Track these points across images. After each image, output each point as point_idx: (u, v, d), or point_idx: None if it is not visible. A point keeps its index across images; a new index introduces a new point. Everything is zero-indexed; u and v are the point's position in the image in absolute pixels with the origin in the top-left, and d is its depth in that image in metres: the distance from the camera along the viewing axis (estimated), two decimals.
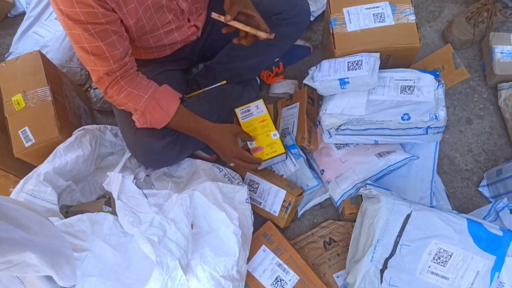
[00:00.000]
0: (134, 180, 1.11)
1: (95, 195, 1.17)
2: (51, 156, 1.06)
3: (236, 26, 1.01)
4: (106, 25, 0.92)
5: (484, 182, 1.23)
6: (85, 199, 1.15)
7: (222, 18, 1.00)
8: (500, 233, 0.99)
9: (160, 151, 1.10)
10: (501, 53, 1.28)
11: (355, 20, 1.19)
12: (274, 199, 1.16)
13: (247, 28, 1.01)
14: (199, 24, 1.17)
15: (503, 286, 1.03)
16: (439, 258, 0.97)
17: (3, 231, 0.68)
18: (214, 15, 1.01)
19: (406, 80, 1.12)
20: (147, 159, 1.13)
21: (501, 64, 1.27)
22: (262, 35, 1.00)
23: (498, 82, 1.30)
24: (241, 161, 1.07)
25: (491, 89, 1.33)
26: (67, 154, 1.07)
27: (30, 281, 0.87)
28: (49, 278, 0.82)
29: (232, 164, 1.14)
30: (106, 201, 1.11)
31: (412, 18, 1.17)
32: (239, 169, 1.22)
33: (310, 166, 1.25)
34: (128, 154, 1.18)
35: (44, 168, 1.02)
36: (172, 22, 1.09)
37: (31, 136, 1.08)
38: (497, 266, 0.96)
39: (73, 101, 1.25)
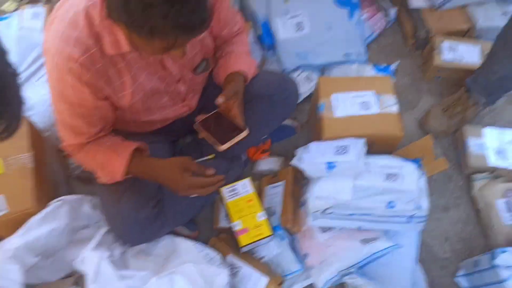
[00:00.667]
0: (109, 258, 1.05)
1: (63, 272, 1.09)
2: (23, 228, 0.99)
3: (201, 134, 1.06)
4: (94, 110, 0.94)
5: (461, 272, 1.24)
6: (52, 276, 1.06)
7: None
8: None
9: (142, 223, 1.06)
10: (474, 145, 1.35)
11: (342, 106, 1.25)
12: (255, 286, 1.11)
13: (209, 139, 1.04)
14: (193, 104, 1.18)
15: None
16: None
17: None
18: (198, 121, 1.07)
19: (390, 167, 1.16)
20: (127, 232, 1.08)
21: (474, 157, 1.34)
22: (221, 147, 1.02)
23: (472, 173, 1.36)
24: (199, 189, 0.98)
25: (466, 177, 1.39)
26: (42, 227, 1.01)
27: None
28: None
29: (193, 195, 1.02)
30: (74, 281, 1.04)
31: (395, 108, 1.24)
32: (220, 246, 1.17)
33: (294, 249, 1.22)
34: (104, 229, 1.12)
35: (14, 243, 0.95)
36: (166, 103, 1.10)
37: (5, 205, 1.01)
38: None
39: (51, 168, 1.20)
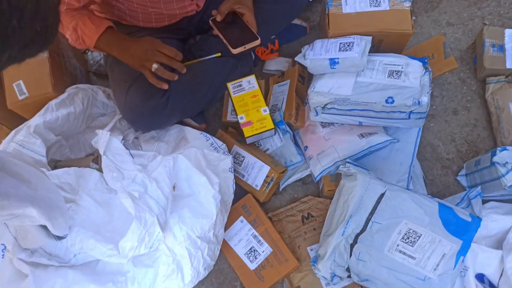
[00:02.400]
0: (123, 141, 1.13)
1: (84, 153, 1.20)
2: (42, 110, 1.09)
3: (215, 31, 1.06)
4: None
5: (463, 172, 1.26)
6: (74, 155, 1.18)
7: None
8: (469, 219, 1.02)
9: (149, 114, 1.12)
10: (493, 47, 1.30)
11: (351, 2, 1.21)
12: (258, 173, 1.19)
13: (222, 38, 1.05)
14: (200, 2, 1.19)
15: (467, 270, 1.07)
16: (408, 238, 1.00)
17: (10, 187, 0.72)
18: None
19: (394, 65, 1.14)
20: (136, 121, 1.16)
21: (491, 58, 1.29)
22: (233, 51, 1.03)
23: (487, 76, 1.32)
24: (163, 56, 1.03)
25: (480, 82, 1.36)
26: (59, 110, 1.10)
27: (14, 225, 0.91)
28: (44, 227, 0.86)
29: (155, 66, 1.04)
30: (94, 159, 1.14)
31: (407, 5, 1.19)
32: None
33: (296, 143, 1.28)
34: (118, 116, 1.20)
35: (35, 121, 1.05)
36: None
37: (25, 90, 1.11)
38: (463, 250, 0.99)
39: (69, 61, 1.28)
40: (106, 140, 1.03)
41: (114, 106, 1.25)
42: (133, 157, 1.06)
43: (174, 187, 1.05)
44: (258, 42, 1.02)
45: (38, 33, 0.40)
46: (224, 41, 1.03)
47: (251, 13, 1.05)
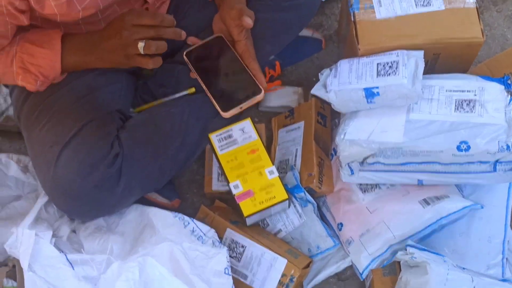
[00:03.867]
0: (53, 239, 1.11)
1: None
2: None
3: (192, 74, 1.10)
4: (7, 18, 0.97)
5: None
6: None
7: None
8: None
9: (92, 194, 1.11)
10: None
11: (388, 3, 1.24)
12: (268, 271, 1.17)
13: (204, 89, 1.08)
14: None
15: None
16: None
17: None
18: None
19: (463, 91, 1.16)
20: (73, 207, 1.14)
21: None
22: (223, 114, 1.05)
23: None
24: (147, 30, 1.03)
25: None
26: None
27: None
28: None
29: (141, 45, 1.03)
30: (9, 272, 1.11)
31: (471, 0, 1.23)
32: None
33: (322, 218, 1.27)
34: (43, 199, 1.18)
35: None
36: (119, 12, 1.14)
37: None
38: None
39: None
40: (30, 245, 1.00)
41: (35, 184, 1.23)
42: (73, 267, 1.03)
43: None
44: (261, 97, 1.03)
45: None
46: (209, 95, 1.05)
47: (249, 41, 1.07)
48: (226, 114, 1.03)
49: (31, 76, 1.07)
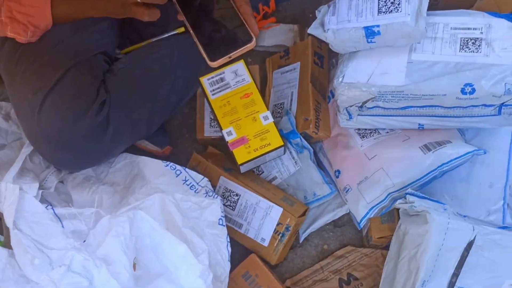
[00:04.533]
0: (40, 191, 1.10)
1: None
2: None
3: (179, 16, 1.02)
4: None
5: None
6: None
7: None
8: None
9: (79, 142, 1.10)
10: None
11: None
12: (263, 220, 1.18)
13: (192, 36, 1.00)
14: None
15: None
16: None
17: None
18: None
19: (469, 28, 1.12)
20: (59, 157, 1.13)
21: None
22: (210, 64, 0.99)
23: None
24: None
25: None
26: None
27: None
28: None
29: None
30: None
31: None
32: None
33: (319, 165, 1.27)
34: (28, 148, 1.16)
35: None
36: None
37: None
38: None
39: None
40: (15, 201, 0.99)
41: (19, 132, 1.22)
42: (62, 222, 1.03)
43: (134, 265, 1.02)
44: (252, 44, 0.98)
45: None
46: (196, 42, 0.99)
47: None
48: (214, 64, 0.98)
49: (20, 26, 1.04)
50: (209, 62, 0.98)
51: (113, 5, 1.02)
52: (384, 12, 1.11)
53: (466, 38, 1.11)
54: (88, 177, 1.20)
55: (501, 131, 1.20)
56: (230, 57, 0.98)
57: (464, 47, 1.10)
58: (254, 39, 0.98)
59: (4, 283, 1.00)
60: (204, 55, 0.98)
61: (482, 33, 1.11)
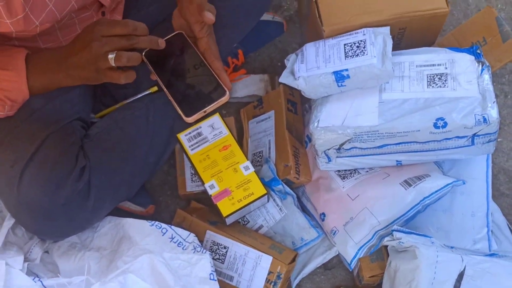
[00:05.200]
0: (26, 264, 1.09)
1: None
2: None
3: (152, 76, 1.05)
4: None
5: None
6: None
7: None
8: None
9: (61, 211, 1.08)
10: None
11: None
12: (253, 270, 1.17)
13: (166, 94, 1.02)
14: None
15: None
16: None
17: None
18: None
19: (433, 65, 1.16)
20: (42, 227, 1.11)
21: None
22: (186, 119, 1.00)
23: None
24: (121, 41, 0.97)
25: None
26: None
27: None
28: None
29: (111, 57, 0.97)
30: None
31: None
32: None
33: (303, 209, 1.27)
34: (9, 222, 1.15)
35: None
36: (78, 24, 1.12)
37: None
38: None
39: None
40: (2, 275, 0.98)
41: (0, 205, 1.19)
42: None
43: None
44: (226, 98, 1.00)
45: None
46: (171, 99, 1.01)
47: (211, 37, 1.04)
48: (189, 119, 1.00)
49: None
50: (185, 118, 0.99)
51: (88, 73, 1.01)
52: (351, 56, 1.14)
53: (432, 74, 1.14)
54: (73, 244, 1.18)
55: (477, 160, 1.22)
56: (205, 112, 1.00)
57: (431, 83, 1.13)
58: (228, 92, 1.00)
59: None
60: (180, 112, 1.00)
61: (446, 68, 1.14)
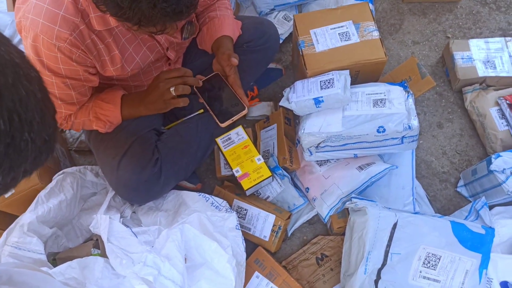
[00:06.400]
0: (121, 219, 1.10)
1: (82, 238, 1.15)
2: (33, 204, 1.04)
3: (200, 99, 1.05)
4: (84, 82, 0.95)
5: (461, 183, 1.28)
6: (72, 243, 1.13)
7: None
8: (483, 231, 1.03)
9: (144, 186, 1.10)
10: (462, 58, 1.35)
11: (322, 40, 1.24)
12: (264, 224, 1.17)
13: (208, 109, 1.04)
14: (171, 54, 1.19)
15: (491, 281, 1.07)
16: (429, 262, 0.99)
17: None
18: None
19: (377, 93, 1.17)
20: (132, 196, 1.13)
21: (463, 69, 1.34)
22: (221, 125, 1.01)
23: (462, 86, 1.37)
24: (173, 79, 0.99)
25: (456, 92, 1.41)
26: (49, 201, 1.05)
27: None
28: None
29: (172, 89, 0.99)
30: (94, 243, 1.09)
31: (376, 34, 1.23)
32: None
33: (295, 185, 1.27)
34: (111, 193, 1.16)
35: (27, 218, 1.00)
36: (154, 70, 1.11)
37: None
38: (484, 263, 0.99)
39: None
40: (107, 225, 1.00)
41: (104, 183, 1.21)
42: (137, 236, 1.02)
43: (185, 259, 1.00)
44: (246, 111, 1.01)
45: (46, 142, 0.42)
46: (211, 113, 1.03)
47: (236, 75, 1.05)
48: (223, 125, 1.02)
49: (102, 123, 1.05)
50: (220, 124, 1.01)
51: (158, 104, 1.02)
52: (324, 88, 1.15)
53: (376, 99, 1.15)
54: (151, 207, 1.19)
55: (405, 153, 1.22)
56: (233, 120, 1.01)
57: (375, 104, 1.14)
58: (246, 108, 1.01)
59: (104, 279, 0.98)
60: (217, 120, 1.01)
61: (385, 95, 1.15)
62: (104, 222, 1.01)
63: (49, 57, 0.85)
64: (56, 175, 1.12)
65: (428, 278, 0.99)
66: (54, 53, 0.85)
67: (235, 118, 1.01)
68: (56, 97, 0.94)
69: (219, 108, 1.03)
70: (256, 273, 1.14)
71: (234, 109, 1.02)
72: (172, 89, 0.98)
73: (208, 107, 1.04)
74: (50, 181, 1.11)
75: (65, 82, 0.91)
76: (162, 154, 1.13)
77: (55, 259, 1.08)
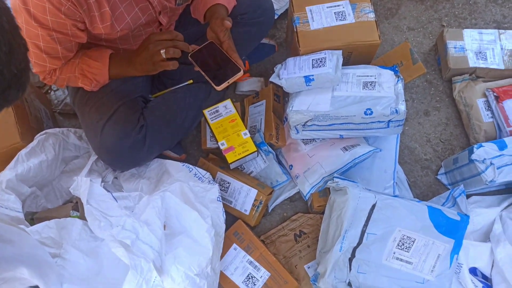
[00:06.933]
0: (102, 183, 1.10)
1: (61, 200, 1.15)
2: (12, 162, 1.02)
3: (196, 67, 1.02)
4: (71, 37, 0.92)
5: (442, 170, 1.30)
6: (51, 204, 1.12)
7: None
8: (458, 218, 1.05)
9: (127, 152, 1.09)
10: (454, 48, 1.35)
11: (318, 18, 1.22)
12: (245, 198, 1.18)
13: (204, 75, 1.01)
14: (163, 19, 1.16)
15: (461, 266, 1.10)
16: (403, 244, 1.01)
17: None
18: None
19: (367, 76, 1.16)
20: (114, 161, 1.12)
21: (455, 59, 1.34)
22: (217, 88, 0.99)
23: (452, 76, 1.37)
24: (163, 42, 0.97)
25: (446, 82, 1.41)
26: (30, 160, 1.04)
27: None
28: None
29: (162, 51, 0.96)
30: (73, 206, 1.09)
31: (372, 16, 1.22)
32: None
33: (279, 162, 1.27)
34: (94, 157, 1.15)
35: (6, 175, 0.99)
36: (144, 35, 1.09)
37: None
38: (456, 249, 1.02)
39: (33, 105, 1.21)
40: (87, 188, 0.99)
41: (87, 147, 1.20)
42: (117, 201, 1.02)
43: (164, 226, 1.01)
44: (241, 73, 0.99)
45: (15, 76, 0.42)
46: (207, 78, 1.00)
47: (230, 40, 1.03)
48: (219, 88, 0.99)
49: (88, 80, 1.04)
50: (216, 87, 0.98)
51: (147, 66, 1.00)
52: (316, 67, 1.14)
53: (366, 81, 1.15)
54: (133, 174, 1.19)
55: (390, 137, 1.23)
56: (228, 82, 0.99)
57: (365, 87, 1.14)
58: (242, 70, 0.99)
59: (81, 241, 0.99)
60: (213, 84, 0.99)
61: (375, 78, 1.15)
62: (85, 185, 1.00)
63: (37, 6, 0.83)
64: (38, 135, 1.11)
65: (401, 260, 1.01)
66: (43, 2, 0.82)
67: (230, 80, 0.98)
68: (41, 49, 0.92)
69: (215, 73, 1.01)
70: (234, 245, 1.15)
71: (229, 71, 0.99)
72: (162, 51, 0.96)
73: (203, 73, 1.01)
74: (32, 140, 1.09)
75: (51, 35, 0.89)
76: (148, 122, 1.12)
77: (33, 219, 1.07)
